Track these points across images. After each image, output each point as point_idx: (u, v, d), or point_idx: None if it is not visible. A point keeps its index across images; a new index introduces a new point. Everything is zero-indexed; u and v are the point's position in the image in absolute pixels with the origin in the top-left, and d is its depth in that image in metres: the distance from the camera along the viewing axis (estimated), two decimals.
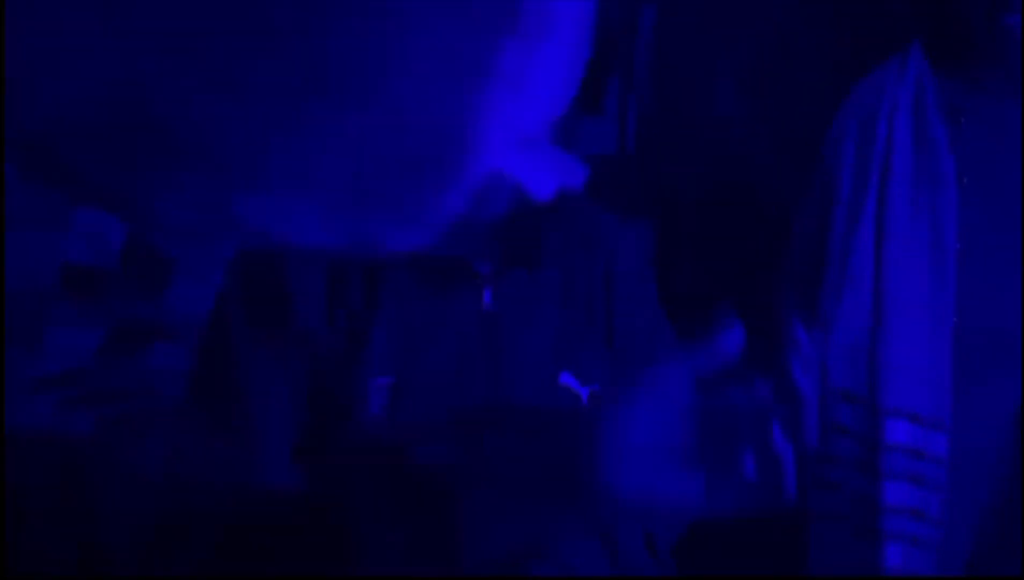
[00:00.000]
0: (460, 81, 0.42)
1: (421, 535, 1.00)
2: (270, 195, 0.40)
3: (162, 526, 0.96)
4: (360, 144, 0.39)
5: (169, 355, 1.52)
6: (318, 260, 0.99)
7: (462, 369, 1.01)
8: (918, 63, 1.38)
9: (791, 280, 1.49)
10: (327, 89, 0.38)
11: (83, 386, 1.45)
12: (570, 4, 0.48)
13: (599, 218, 1.13)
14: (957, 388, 1.34)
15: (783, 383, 1.46)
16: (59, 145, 0.38)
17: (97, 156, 0.38)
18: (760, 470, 0.81)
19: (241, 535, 0.95)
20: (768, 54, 1.74)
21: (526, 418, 1.03)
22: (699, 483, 0.81)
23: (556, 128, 0.93)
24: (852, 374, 1.36)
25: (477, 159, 0.44)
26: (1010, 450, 1.36)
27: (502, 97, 0.44)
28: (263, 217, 0.40)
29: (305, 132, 0.39)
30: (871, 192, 1.35)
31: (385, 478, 1.00)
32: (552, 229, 1.03)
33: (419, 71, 0.40)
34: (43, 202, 1.52)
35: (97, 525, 1.32)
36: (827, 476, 1.38)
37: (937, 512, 1.34)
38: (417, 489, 1.00)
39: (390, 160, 0.41)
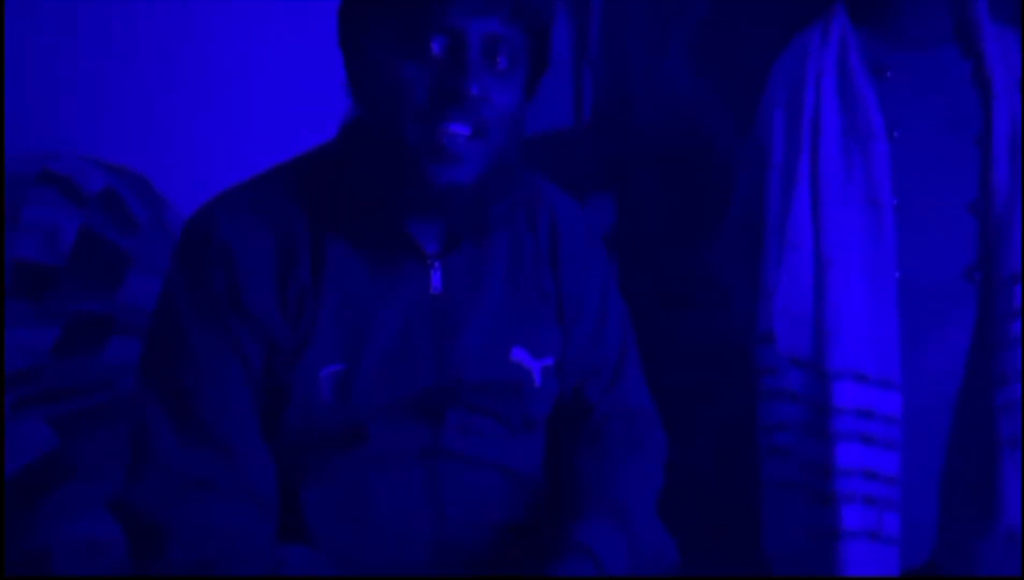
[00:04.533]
0: None
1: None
2: None
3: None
4: None
5: (126, 349, 1.53)
6: (265, 238, 0.96)
7: (412, 351, 0.99)
8: (841, 24, 1.37)
9: (732, 248, 1.48)
10: None
11: (38, 385, 1.46)
12: None
13: (542, 191, 1.10)
14: (907, 345, 1.33)
15: None
16: None
17: None
18: None
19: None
20: (715, 18, 1.73)
21: (478, 394, 1.01)
22: None
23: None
24: (798, 339, 1.35)
25: None
26: (965, 404, 1.35)
27: None
28: None
29: None
30: (804, 155, 1.35)
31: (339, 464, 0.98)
32: (496, 203, 0.99)
33: None
34: None
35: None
36: (777, 442, 1.38)
37: (892, 470, 1.33)
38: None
39: None
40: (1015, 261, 1.30)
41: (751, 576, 1.39)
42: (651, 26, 1.78)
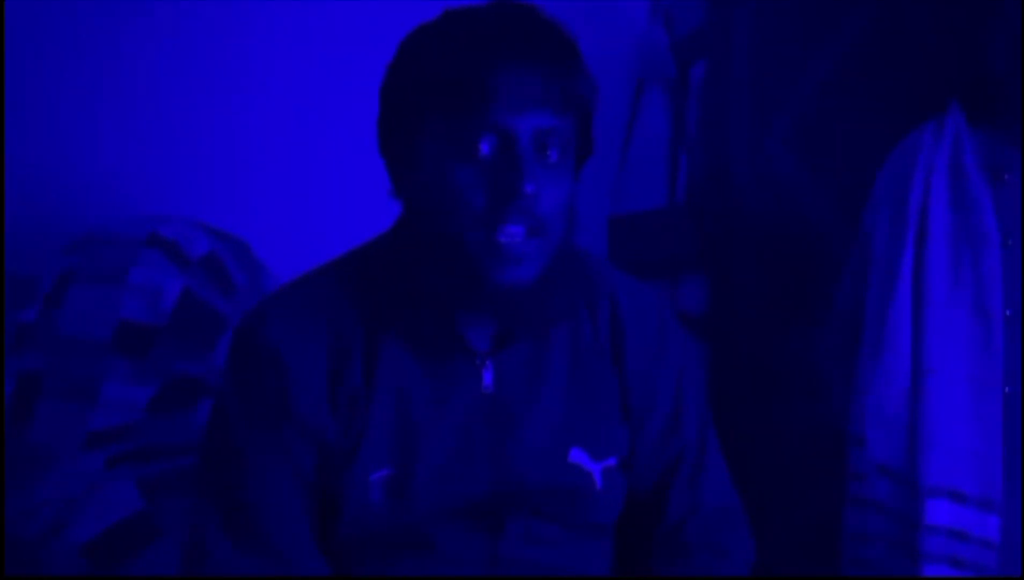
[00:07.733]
0: None
1: None
2: None
3: None
4: None
5: None
6: (316, 340, 0.95)
7: (464, 454, 0.97)
8: (955, 123, 1.32)
9: (834, 343, 1.44)
10: None
11: (131, 442, 1.49)
12: None
13: (603, 280, 1.05)
14: (1009, 465, 1.26)
15: None
16: None
17: None
18: None
19: None
20: (818, 110, 1.70)
21: (539, 499, 0.98)
22: None
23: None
24: (890, 447, 1.29)
25: None
26: None
27: None
28: None
29: None
30: (907, 255, 1.29)
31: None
32: (554, 300, 0.96)
33: None
34: (105, 256, 1.60)
35: None
36: (861, 554, 1.31)
37: None
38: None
39: None
40: None
41: None
42: (753, 111, 1.76)
